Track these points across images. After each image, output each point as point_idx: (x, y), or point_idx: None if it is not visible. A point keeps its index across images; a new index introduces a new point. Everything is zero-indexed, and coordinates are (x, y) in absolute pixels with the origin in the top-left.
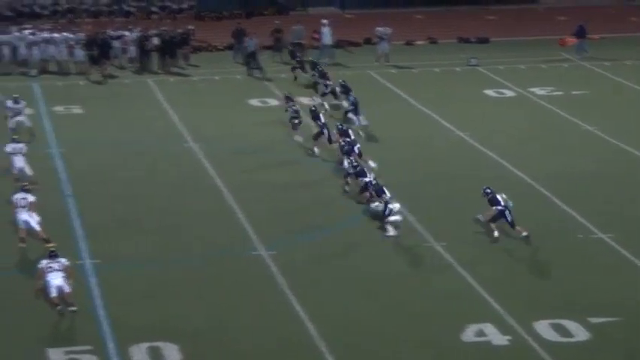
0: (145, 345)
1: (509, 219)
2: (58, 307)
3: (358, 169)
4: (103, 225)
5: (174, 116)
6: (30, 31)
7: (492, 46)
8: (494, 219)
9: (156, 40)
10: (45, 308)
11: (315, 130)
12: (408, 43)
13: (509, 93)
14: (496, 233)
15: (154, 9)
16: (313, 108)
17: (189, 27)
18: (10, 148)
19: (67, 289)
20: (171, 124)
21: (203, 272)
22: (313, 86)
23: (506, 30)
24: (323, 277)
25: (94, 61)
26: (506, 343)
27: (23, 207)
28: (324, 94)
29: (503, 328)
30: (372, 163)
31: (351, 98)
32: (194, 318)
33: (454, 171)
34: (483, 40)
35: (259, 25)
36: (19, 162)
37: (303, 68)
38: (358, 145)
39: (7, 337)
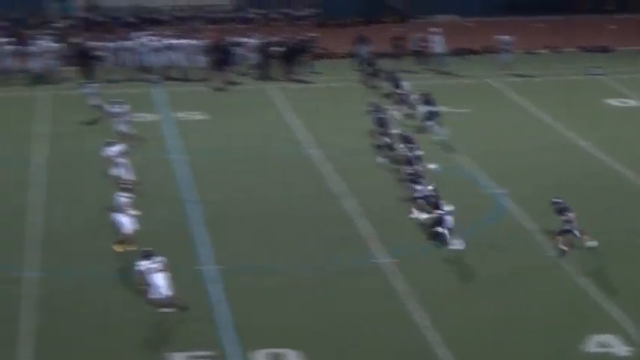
0: (266, 351)
1: (572, 228)
2: (165, 310)
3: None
4: (224, 231)
5: (294, 123)
6: (152, 37)
7: (614, 56)
8: (562, 232)
9: (278, 47)
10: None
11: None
12: (529, 52)
13: (632, 103)
14: (564, 247)
15: (275, 16)
16: (383, 115)
17: (312, 34)
18: (109, 151)
19: (170, 291)
20: (291, 130)
21: (324, 279)
22: (389, 95)
23: (628, 39)
24: (443, 285)
25: (215, 67)
26: (628, 354)
27: (116, 207)
28: (397, 103)
29: (625, 338)
30: (432, 166)
31: (428, 109)
32: (315, 324)
33: (574, 180)
34: (605, 50)
35: (380, 32)
36: (118, 164)
37: (377, 76)
38: (419, 153)
39: (128, 343)
